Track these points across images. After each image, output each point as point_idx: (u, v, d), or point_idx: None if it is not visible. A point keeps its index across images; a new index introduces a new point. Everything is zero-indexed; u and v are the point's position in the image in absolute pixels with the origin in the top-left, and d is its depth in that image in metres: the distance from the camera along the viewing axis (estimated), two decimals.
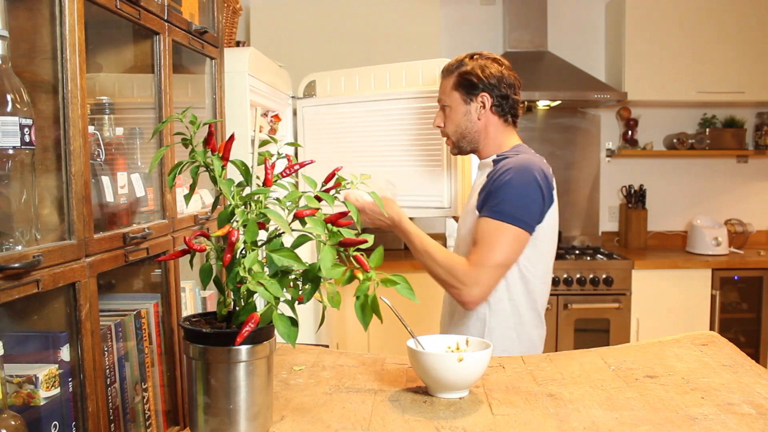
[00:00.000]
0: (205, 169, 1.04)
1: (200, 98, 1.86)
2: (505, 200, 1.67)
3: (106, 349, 1.23)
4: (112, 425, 1.23)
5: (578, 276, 3.56)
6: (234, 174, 1.06)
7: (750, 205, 4.20)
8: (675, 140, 3.99)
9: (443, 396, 1.18)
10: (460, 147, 1.87)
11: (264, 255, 0.98)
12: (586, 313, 3.57)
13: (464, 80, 1.80)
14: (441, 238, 3.79)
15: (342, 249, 1.00)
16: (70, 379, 1.09)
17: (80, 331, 1.09)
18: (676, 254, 3.87)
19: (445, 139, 1.93)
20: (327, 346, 1.54)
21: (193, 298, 1.68)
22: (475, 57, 1.82)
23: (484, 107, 1.81)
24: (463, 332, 1.76)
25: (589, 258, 3.75)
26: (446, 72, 1.86)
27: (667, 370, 1.28)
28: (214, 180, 1.03)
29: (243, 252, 0.96)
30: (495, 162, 1.80)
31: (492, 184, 1.71)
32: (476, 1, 4.08)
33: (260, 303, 0.99)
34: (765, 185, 4.22)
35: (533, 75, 3.82)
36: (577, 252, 3.91)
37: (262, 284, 0.93)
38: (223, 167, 1.04)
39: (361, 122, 2.49)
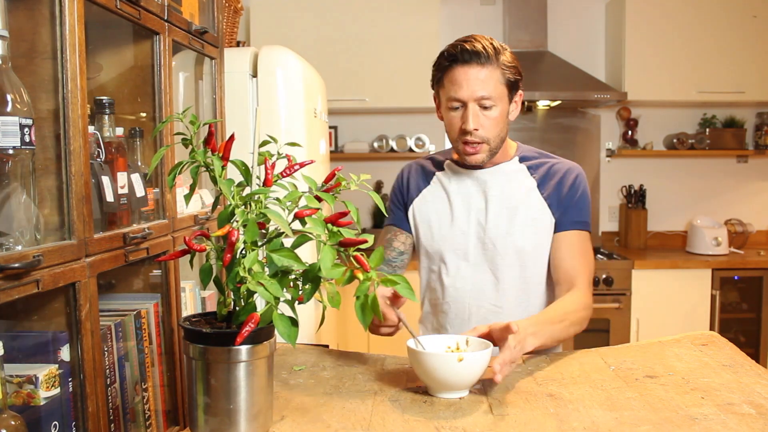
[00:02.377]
0: (205, 169, 1.04)
1: (200, 98, 1.87)
2: (584, 209, 1.62)
3: (106, 349, 1.23)
4: (112, 425, 1.23)
5: None
6: (234, 174, 1.06)
7: (750, 205, 4.20)
8: (675, 140, 3.99)
9: (443, 396, 1.18)
10: (491, 155, 1.59)
11: (264, 255, 0.98)
12: None
13: (511, 73, 1.55)
14: None
15: (342, 249, 1.00)
16: (70, 379, 1.09)
17: (80, 331, 1.09)
18: (676, 254, 3.87)
19: (463, 145, 1.56)
20: (327, 346, 1.54)
21: (193, 298, 1.68)
22: (496, 42, 1.56)
23: (518, 107, 1.61)
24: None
25: None
26: (485, 58, 1.52)
27: (667, 370, 1.28)
28: (214, 180, 1.03)
29: (243, 252, 0.96)
30: (530, 168, 1.65)
31: (568, 193, 1.60)
32: (476, 1, 4.08)
33: (260, 303, 0.99)
34: (765, 185, 4.22)
35: (533, 75, 3.81)
36: None
37: (262, 284, 0.93)
38: (223, 167, 1.04)
39: None
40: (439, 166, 1.73)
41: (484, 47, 1.52)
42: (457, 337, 1.28)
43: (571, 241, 1.61)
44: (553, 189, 1.62)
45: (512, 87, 1.56)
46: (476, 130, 1.53)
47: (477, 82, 1.51)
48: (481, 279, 1.63)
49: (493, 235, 1.61)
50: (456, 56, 1.53)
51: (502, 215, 1.62)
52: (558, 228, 1.61)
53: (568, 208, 1.61)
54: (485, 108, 1.53)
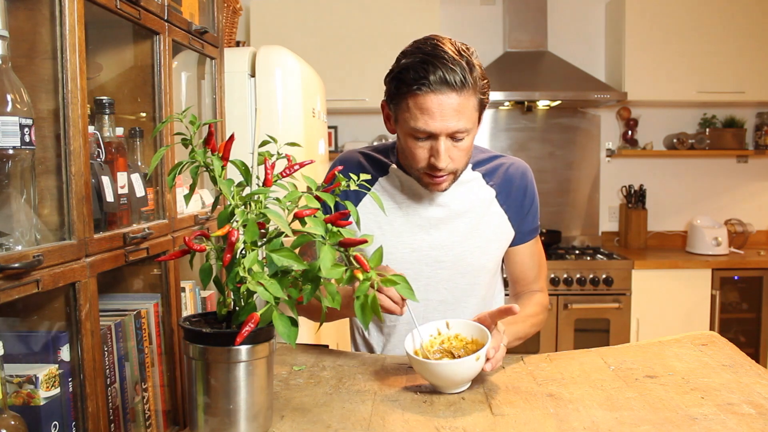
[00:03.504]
0: (205, 169, 1.04)
1: (202, 98, 1.86)
2: (537, 213, 1.56)
3: (106, 349, 1.23)
4: (112, 425, 1.23)
5: (578, 276, 3.56)
6: (234, 174, 1.06)
7: (750, 205, 4.20)
8: (675, 140, 3.99)
9: (452, 392, 1.19)
10: (456, 180, 1.44)
11: (264, 255, 0.98)
12: (586, 313, 3.58)
13: (484, 93, 1.34)
14: None
15: (342, 249, 1.00)
16: (70, 379, 1.09)
17: (80, 331, 1.09)
18: (676, 254, 3.87)
19: (428, 177, 1.39)
20: (327, 346, 1.54)
21: (193, 298, 1.68)
22: (465, 49, 1.32)
23: (481, 121, 1.40)
24: None
25: (589, 258, 3.75)
26: (461, 84, 1.27)
27: (667, 370, 1.28)
28: (214, 180, 1.03)
29: (243, 252, 0.96)
30: (486, 175, 1.52)
31: (525, 201, 1.52)
32: (476, 1, 4.08)
33: (260, 302, 0.99)
34: (765, 185, 4.23)
35: (533, 75, 3.82)
36: (577, 252, 3.91)
37: (262, 284, 0.93)
38: (223, 167, 1.04)
39: None
40: (382, 168, 1.52)
41: (461, 69, 1.26)
42: (437, 323, 1.28)
43: (530, 250, 1.57)
44: (512, 199, 1.51)
45: (483, 106, 1.36)
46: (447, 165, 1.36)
47: (451, 113, 1.28)
48: (435, 300, 1.49)
49: (451, 255, 1.48)
50: (426, 81, 1.26)
51: (461, 232, 1.48)
52: (517, 240, 1.54)
53: (526, 217, 1.53)
54: (457, 140, 1.33)
